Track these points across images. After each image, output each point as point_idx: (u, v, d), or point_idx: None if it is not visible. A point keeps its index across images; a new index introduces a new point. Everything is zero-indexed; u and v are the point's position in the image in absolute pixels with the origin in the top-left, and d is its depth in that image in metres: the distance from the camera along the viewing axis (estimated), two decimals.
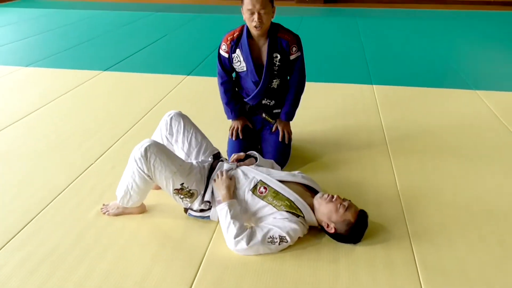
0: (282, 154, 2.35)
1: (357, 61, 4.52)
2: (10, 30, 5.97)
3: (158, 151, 1.77)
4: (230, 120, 2.47)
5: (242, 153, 2.07)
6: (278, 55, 2.23)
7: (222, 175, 1.85)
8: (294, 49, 2.24)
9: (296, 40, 2.25)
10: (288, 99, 2.37)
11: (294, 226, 1.69)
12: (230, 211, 1.73)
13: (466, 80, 3.85)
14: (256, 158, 2.04)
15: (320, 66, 4.31)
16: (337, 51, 4.96)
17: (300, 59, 2.30)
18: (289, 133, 2.42)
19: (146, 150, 1.75)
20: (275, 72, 2.27)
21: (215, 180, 1.86)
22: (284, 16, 6.15)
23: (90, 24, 6.40)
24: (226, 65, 2.32)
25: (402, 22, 6.57)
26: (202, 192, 1.85)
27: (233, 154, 2.08)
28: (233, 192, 1.82)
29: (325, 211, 1.74)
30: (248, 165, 1.97)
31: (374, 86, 3.70)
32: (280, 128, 2.39)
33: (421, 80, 3.87)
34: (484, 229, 1.87)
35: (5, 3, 8.32)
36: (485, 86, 3.68)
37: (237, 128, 2.42)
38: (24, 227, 1.87)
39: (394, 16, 7.11)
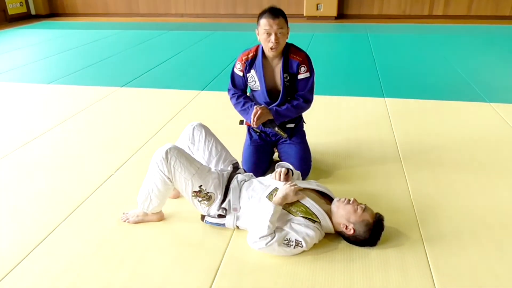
0: (306, 164, 2.37)
1: (369, 75, 4.57)
2: (33, 50, 6.20)
3: (178, 154, 1.85)
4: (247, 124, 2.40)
5: (284, 169, 2.00)
6: (288, 76, 2.26)
7: (293, 186, 1.83)
8: (302, 69, 2.24)
9: (307, 60, 2.25)
10: (288, 105, 2.27)
11: (310, 232, 1.73)
12: (272, 215, 1.73)
13: (480, 92, 3.85)
14: (292, 171, 2.05)
15: (332, 80, 4.37)
16: (348, 66, 5.03)
17: (311, 81, 2.28)
18: (259, 115, 2.20)
19: (166, 152, 1.82)
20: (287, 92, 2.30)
21: (282, 180, 1.92)
22: (295, 32, 6.25)
23: (108, 43, 6.61)
24: (238, 83, 2.37)
25: (413, 36, 6.62)
26: (220, 197, 1.90)
27: (277, 171, 2.01)
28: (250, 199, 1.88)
29: (343, 212, 1.79)
30: (295, 180, 1.99)
31: (386, 99, 3.74)
32: (259, 108, 2.21)
33: (433, 93, 3.89)
34: (498, 237, 1.87)
35: (27, 25, 8.63)
36: (500, 99, 3.67)
37: (260, 110, 2.20)
38: (47, 236, 1.94)
39: (406, 31, 7.17)
